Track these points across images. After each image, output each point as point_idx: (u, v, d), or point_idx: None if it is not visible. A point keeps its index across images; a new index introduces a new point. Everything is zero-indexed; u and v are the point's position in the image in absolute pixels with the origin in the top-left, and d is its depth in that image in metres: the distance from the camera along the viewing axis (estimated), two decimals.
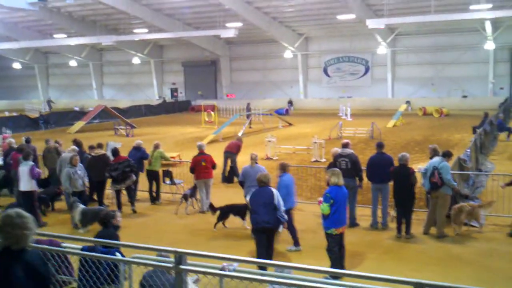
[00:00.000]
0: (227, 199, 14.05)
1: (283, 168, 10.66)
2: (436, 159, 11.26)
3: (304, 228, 11.65)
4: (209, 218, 12.53)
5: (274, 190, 9.06)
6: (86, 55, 60.12)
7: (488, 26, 41.99)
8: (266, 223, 8.83)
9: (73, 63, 60.51)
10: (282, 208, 8.95)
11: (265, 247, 8.96)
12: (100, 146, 14.45)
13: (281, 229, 9.53)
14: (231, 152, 17.36)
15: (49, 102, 55.21)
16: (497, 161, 19.26)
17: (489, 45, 43.46)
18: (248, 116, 35.00)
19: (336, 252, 8.87)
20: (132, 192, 13.77)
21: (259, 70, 55.46)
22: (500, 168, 17.61)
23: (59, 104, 58.41)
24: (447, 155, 11.25)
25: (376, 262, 9.66)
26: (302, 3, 40.52)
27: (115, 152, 13.72)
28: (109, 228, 8.00)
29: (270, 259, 8.84)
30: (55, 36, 52.08)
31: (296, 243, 10.33)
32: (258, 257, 8.72)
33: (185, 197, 13.36)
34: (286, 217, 9.20)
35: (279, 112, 41.13)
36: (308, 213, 12.84)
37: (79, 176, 12.60)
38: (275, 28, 46.84)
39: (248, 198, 10.41)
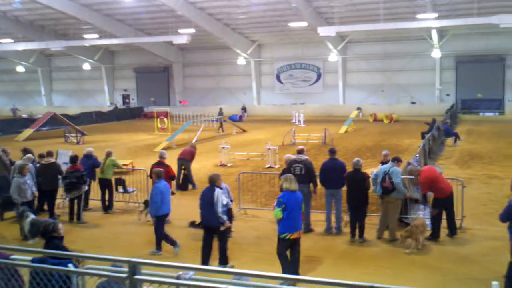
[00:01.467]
0: (181, 206, 13.97)
1: (158, 175, 10.94)
2: (387, 165, 11.52)
3: (259, 235, 11.68)
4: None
5: (217, 190, 9.51)
6: (34, 60, 58.57)
7: (435, 35, 43.38)
8: (208, 221, 9.48)
9: (20, 68, 58.80)
10: (219, 210, 9.36)
11: (208, 244, 9.56)
12: (50, 154, 14.06)
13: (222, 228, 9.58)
14: (185, 159, 17.22)
15: (14, 109, 53.62)
16: (445, 166, 19.79)
17: (436, 53, 44.89)
18: (219, 121, 35.63)
19: (286, 256, 8.95)
20: (80, 203, 13.35)
21: (213, 76, 55.39)
22: (448, 172, 18.10)
23: (3, 112, 56.70)
24: (396, 160, 11.54)
25: (331, 267, 9.77)
26: (255, 10, 40.79)
27: (72, 159, 13.39)
28: (52, 241, 7.70)
29: (222, 258, 9.57)
30: (1, 41, 50.47)
31: (157, 247, 10.61)
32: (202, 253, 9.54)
33: (146, 203, 13.13)
34: (224, 218, 9.51)
35: (232, 119, 41.16)
36: (263, 220, 12.88)
37: (29, 185, 12.24)
38: (228, 34, 46.92)
39: None
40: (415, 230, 10.41)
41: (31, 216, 11.50)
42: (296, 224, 8.90)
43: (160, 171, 11.20)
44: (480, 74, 45.21)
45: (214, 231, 9.56)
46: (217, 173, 9.96)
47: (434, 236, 11.07)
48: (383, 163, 12.34)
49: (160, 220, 10.60)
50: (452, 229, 11.31)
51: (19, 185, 11.99)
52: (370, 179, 11.49)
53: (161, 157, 13.66)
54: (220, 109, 40.24)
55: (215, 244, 9.70)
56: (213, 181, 9.68)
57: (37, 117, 40.68)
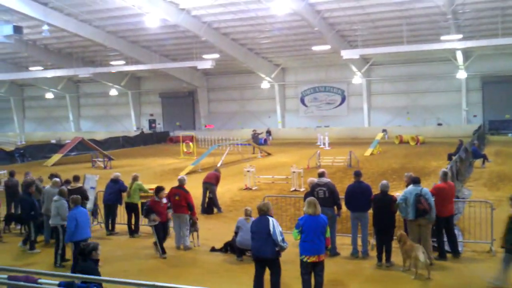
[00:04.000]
0: (206, 230, 13.99)
1: (75, 201, 11.06)
2: (412, 186, 11.33)
3: (284, 259, 11.58)
4: (186, 253, 12.52)
5: (271, 220, 9.02)
6: (62, 87, 59.87)
7: (459, 56, 43.11)
8: (262, 253, 8.89)
9: (49, 95, 60.09)
10: (279, 238, 8.84)
11: (260, 277, 8.99)
12: (76, 179, 14.23)
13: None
14: (210, 183, 17.32)
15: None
16: (474, 188, 19.50)
17: (461, 74, 44.54)
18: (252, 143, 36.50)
19: (307, 280, 8.85)
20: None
21: (237, 100, 55.81)
22: (476, 194, 17.84)
23: (35, 137, 57.81)
24: (418, 181, 11.35)
25: None
26: (278, 35, 41.16)
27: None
28: (87, 261, 7.83)
29: None
30: (31, 68, 51.85)
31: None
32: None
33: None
34: (286, 245, 9.02)
35: (257, 142, 41.26)
36: (289, 243, 12.78)
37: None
38: (252, 59, 47.36)
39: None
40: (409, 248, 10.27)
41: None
42: (314, 247, 8.80)
43: (77, 198, 11.22)
44: (507, 95, 44.70)
45: (267, 263, 9.02)
46: (267, 202, 9.51)
47: (441, 256, 11.02)
48: (407, 185, 12.13)
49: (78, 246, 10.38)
50: (455, 250, 11.28)
51: (66, 208, 11.96)
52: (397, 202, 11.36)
53: (180, 182, 13.42)
54: (254, 131, 39.79)
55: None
56: (266, 211, 9.16)
57: (66, 143, 41.42)
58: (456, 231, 12.14)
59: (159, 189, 12.72)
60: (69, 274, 6.97)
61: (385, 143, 39.64)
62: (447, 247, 11.38)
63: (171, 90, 57.84)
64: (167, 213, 12.70)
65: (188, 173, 25.10)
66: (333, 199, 11.70)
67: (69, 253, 11.57)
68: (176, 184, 13.58)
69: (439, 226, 11.22)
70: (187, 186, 13.47)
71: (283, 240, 8.89)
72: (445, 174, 11.82)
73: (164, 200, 12.66)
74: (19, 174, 17.63)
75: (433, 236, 11.23)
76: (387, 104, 49.77)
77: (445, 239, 11.40)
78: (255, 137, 37.75)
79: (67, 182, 14.24)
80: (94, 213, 15.39)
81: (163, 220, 12.39)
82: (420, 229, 10.98)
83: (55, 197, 12.17)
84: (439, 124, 47.42)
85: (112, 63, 47.89)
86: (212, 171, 18.30)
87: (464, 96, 46.57)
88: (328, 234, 9.14)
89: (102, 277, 6.83)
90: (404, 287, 9.77)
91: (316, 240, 8.83)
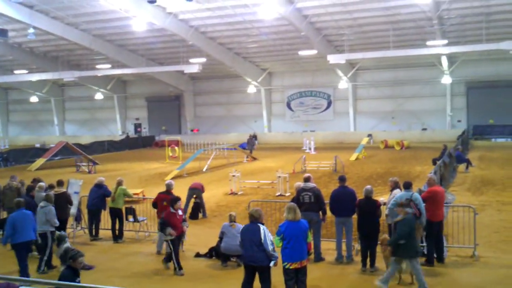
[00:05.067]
0: (191, 235, 13.92)
1: (18, 205, 10.99)
2: (400, 191, 11.36)
3: None
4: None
5: (262, 228, 8.88)
6: (47, 90, 59.48)
7: (445, 61, 43.53)
8: (255, 261, 8.72)
9: (34, 99, 59.68)
10: (270, 248, 8.69)
11: (250, 284, 8.86)
12: (60, 183, 14.09)
13: (272, 264, 8.84)
14: (198, 189, 17.47)
15: None
16: (457, 192, 19.66)
17: (446, 79, 44.99)
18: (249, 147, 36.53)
19: (291, 286, 8.81)
20: None
21: (223, 104, 55.79)
22: (460, 199, 17.99)
23: (19, 141, 57.27)
24: (409, 186, 11.37)
25: None
26: (265, 39, 41.23)
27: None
28: (68, 270, 7.65)
29: None
30: (15, 71, 51.39)
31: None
32: None
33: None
34: (276, 254, 8.83)
35: (243, 147, 41.21)
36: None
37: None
38: (239, 63, 47.38)
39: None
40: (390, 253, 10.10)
41: (68, 243, 11.22)
42: (296, 254, 8.75)
43: (19, 202, 11.16)
44: (491, 100, 45.10)
45: (257, 270, 8.84)
46: (259, 209, 9.32)
47: (429, 262, 11.01)
48: (392, 190, 12.16)
49: (19, 249, 10.62)
50: (441, 255, 11.27)
51: (54, 213, 11.81)
52: (383, 207, 11.40)
53: (168, 187, 13.45)
54: (251, 135, 39.13)
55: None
56: (257, 217, 8.99)
57: (50, 147, 41.08)
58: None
59: (175, 200, 11.55)
60: (51, 281, 6.89)
61: (370, 148, 39.86)
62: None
63: (157, 94, 57.65)
64: (182, 226, 11.69)
65: (174, 178, 25.00)
66: (319, 204, 11.71)
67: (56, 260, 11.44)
68: (162, 189, 13.54)
69: (431, 231, 11.17)
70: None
71: (273, 249, 8.74)
72: (434, 179, 11.91)
73: (180, 212, 11.62)
74: (4, 178, 17.43)
75: (421, 242, 11.27)
76: (372, 109, 50.06)
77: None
78: (251, 142, 37.49)
79: (51, 187, 14.11)
80: (78, 218, 15.24)
81: (178, 234, 11.35)
82: None
83: (42, 203, 11.95)
84: (424, 129, 47.81)
85: (98, 66, 47.63)
86: (197, 182, 18.41)
87: (449, 101, 47.03)
88: (309, 239, 9.10)
89: (82, 284, 6.76)
90: None
91: (298, 246, 8.78)
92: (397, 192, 11.46)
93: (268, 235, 8.78)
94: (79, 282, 7.39)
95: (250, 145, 36.69)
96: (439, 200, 11.39)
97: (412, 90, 48.39)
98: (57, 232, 11.65)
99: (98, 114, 61.86)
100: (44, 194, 12.56)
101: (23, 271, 10.52)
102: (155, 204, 13.38)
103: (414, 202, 10.75)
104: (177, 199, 11.69)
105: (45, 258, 11.55)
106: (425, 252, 11.16)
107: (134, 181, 25.37)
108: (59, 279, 7.35)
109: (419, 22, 35.97)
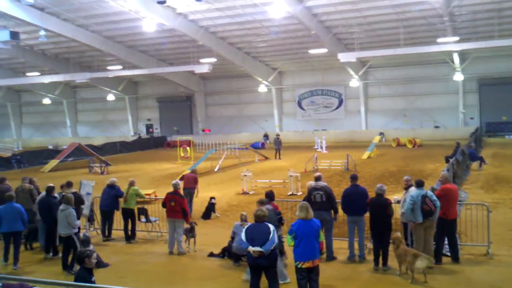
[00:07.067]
0: (203, 235, 13.92)
1: (9, 198, 12.20)
2: (415, 189, 11.24)
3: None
4: (183, 258, 12.45)
5: (271, 226, 8.86)
6: (59, 92, 59.85)
7: (456, 58, 43.18)
8: (258, 260, 8.65)
9: (46, 100, 60.11)
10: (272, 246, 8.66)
11: (257, 283, 8.82)
12: (69, 185, 14.12)
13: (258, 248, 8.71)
14: (191, 188, 17.61)
15: None
16: (470, 190, 19.50)
17: (458, 77, 44.60)
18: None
19: (303, 286, 8.78)
20: None
21: (234, 104, 55.80)
22: (473, 197, 17.83)
23: (32, 143, 57.70)
24: (422, 184, 11.30)
25: None
26: (275, 39, 41.17)
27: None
28: (80, 269, 7.71)
29: None
30: (28, 74, 51.80)
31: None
32: None
33: (186, 231, 13.11)
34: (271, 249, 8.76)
35: (255, 146, 41.24)
36: (286, 247, 12.75)
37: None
38: (249, 63, 47.35)
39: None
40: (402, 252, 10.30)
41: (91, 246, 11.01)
42: (307, 253, 8.71)
43: (10, 195, 12.32)
44: (504, 97, 44.60)
45: (264, 270, 8.81)
46: (264, 209, 9.32)
47: (438, 260, 10.91)
48: (406, 188, 12.08)
49: (6, 238, 12.07)
50: (456, 255, 11.17)
51: (75, 215, 11.80)
52: (394, 205, 11.33)
53: (175, 187, 13.43)
54: (277, 135, 38.61)
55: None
56: (262, 217, 8.97)
57: (62, 148, 41.34)
58: None
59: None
60: (66, 282, 6.92)
61: (382, 146, 39.67)
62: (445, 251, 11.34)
63: (168, 94, 57.81)
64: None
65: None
66: (330, 203, 11.68)
67: None
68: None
69: (442, 229, 11.13)
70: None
71: (275, 248, 8.76)
72: (447, 177, 11.84)
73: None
74: (17, 180, 17.54)
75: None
76: (384, 107, 49.80)
77: (446, 242, 11.36)
78: (277, 141, 36.94)
79: (61, 187, 14.18)
80: (91, 219, 15.34)
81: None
82: (426, 231, 10.94)
83: (62, 206, 11.90)
84: (436, 127, 47.46)
85: (109, 68, 47.86)
86: (190, 173, 18.45)
87: (461, 98, 46.63)
88: (322, 238, 9.06)
89: (95, 285, 6.78)
90: None
91: (310, 245, 8.74)
92: (412, 190, 11.38)
93: (275, 234, 8.76)
94: (94, 281, 7.40)
95: (277, 145, 36.29)
96: (453, 198, 11.31)
97: (423, 87, 48.03)
98: (81, 234, 11.73)
99: (110, 115, 62.17)
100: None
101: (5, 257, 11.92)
102: (164, 204, 13.43)
103: (429, 198, 10.78)
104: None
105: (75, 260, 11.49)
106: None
107: (146, 182, 25.46)
108: (75, 280, 7.39)
109: (430, 19, 35.71)
